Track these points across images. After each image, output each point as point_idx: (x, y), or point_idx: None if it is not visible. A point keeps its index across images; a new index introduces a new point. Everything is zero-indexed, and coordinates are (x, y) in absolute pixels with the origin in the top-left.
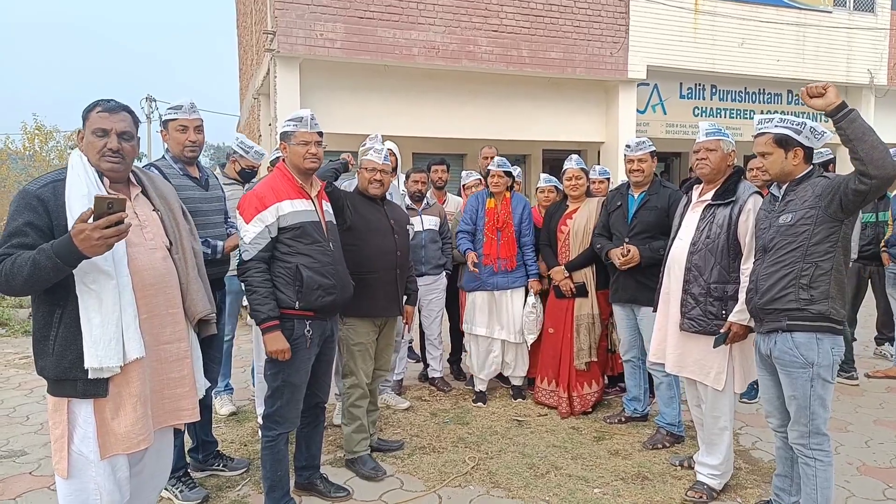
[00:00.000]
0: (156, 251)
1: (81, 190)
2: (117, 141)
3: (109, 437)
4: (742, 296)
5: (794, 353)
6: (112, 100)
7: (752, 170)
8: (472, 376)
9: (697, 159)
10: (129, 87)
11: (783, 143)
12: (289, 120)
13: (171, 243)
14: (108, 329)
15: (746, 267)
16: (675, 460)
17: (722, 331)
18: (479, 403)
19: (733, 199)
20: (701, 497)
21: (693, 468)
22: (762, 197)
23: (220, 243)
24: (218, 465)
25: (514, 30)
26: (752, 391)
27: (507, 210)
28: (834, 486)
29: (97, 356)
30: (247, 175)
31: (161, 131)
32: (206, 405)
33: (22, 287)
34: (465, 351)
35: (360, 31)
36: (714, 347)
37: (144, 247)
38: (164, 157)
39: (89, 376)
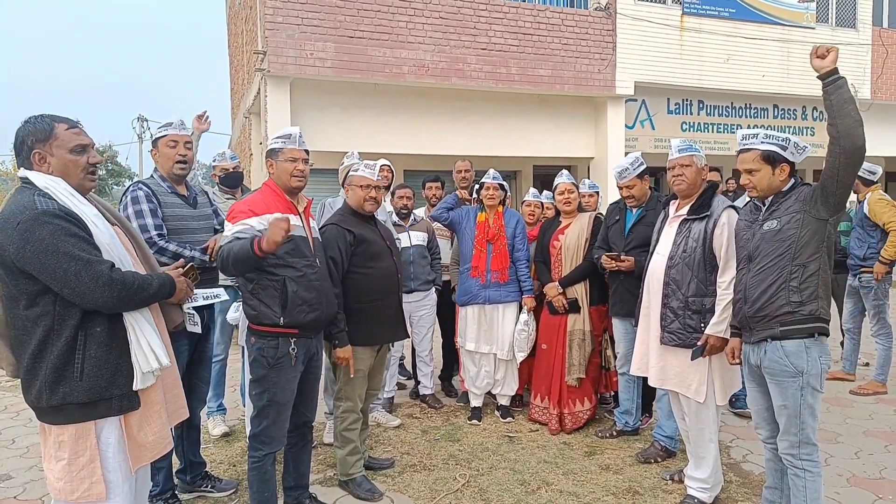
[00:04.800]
0: (139, 263)
1: (92, 211)
2: (95, 155)
3: (136, 450)
4: (718, 308)
5: (785, 361)
6: (60, 115)
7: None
8: (464, 392)
9: (673, 176)
10: (118, 106)
11: (771, 159)
12: (277, 137)
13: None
14: (156, 333)
15: (723, 280)
16: (666, 474)
17: (699, 343)
18: (475, 421)
19: (708, 213)
20: None
21: (683, 482)
22: (736, 212)
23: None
24: (206, 487)
25: (502, 48)
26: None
27: (500, 223)
28: (823, 497)
29: (155, 356)
30: (230, 180)
31: (152, 151)
32: (193, 425)
33: (138, 303)
34: (458, 366)
35: (350, 51)
36: (692, 360)
37: (135, 258)
38: (152, 175)
39: (137, 386)
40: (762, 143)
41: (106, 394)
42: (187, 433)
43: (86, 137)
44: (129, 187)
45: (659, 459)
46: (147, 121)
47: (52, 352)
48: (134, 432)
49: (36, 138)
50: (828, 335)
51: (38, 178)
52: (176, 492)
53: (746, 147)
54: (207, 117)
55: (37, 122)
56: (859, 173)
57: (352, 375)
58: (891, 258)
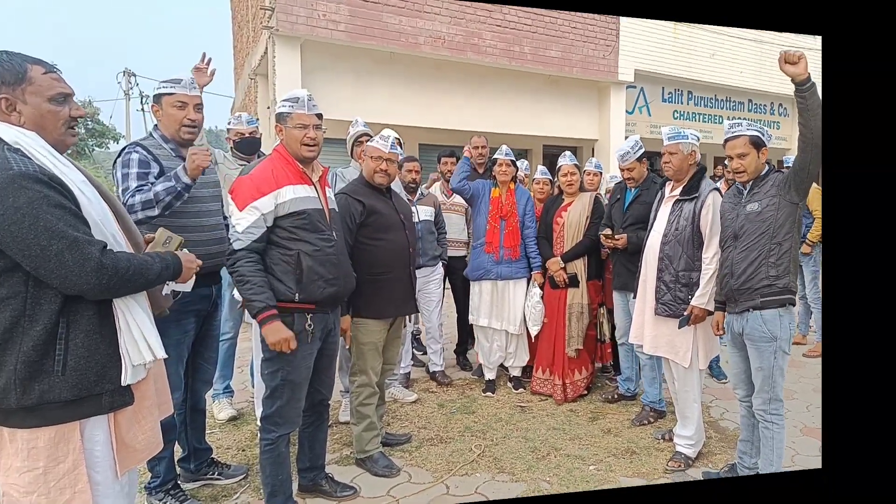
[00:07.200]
0: (126, 241)
1: (78, 177)
2: (77, 107)
3: (124, 451)
4: (702, 281)
5: (763, 328)
6: (32, 56)
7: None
8: (479, 366)
9: (663, 162)
10: (103, 58)
11: (757, 143)
12: (284, 100)
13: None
14: (149, 319)
15: (707, 255)
16: (658, 434)
17: (685, 313)
18: (489, 393)
19: (697, 194)
20: (679, 466)
21: (672, 440)
22: (720, 194)
23: (184, 177)
24: (213, 474)
25: (517, 25)
26: (722, 372)
27: (512, 200)
28: (785, 446)
29: (149, 347)
30: (246, 146)
31: (153, 107)
32: (198, 409)
33: (130, 290)
34: (472, 341)
35: (364, 15)
36: (679, 328)
37: (123, 235)
38: (151, 135)
39: (125, 381)
40: (748, 129)
41: (96, 389)
42: (191, 418)
43: (66, 85)
44: (123, 148)
45: (651, 420)
46: (135, 76)
47: (24, 342)
48: (122, 432)
49: (2, 80)
50: (794, 305)
51: (7, 131)
52: (178, 482)
53: (736, 134)
54: (211, 70)
55: (4, 62)
56: None
57: (346, 346)
58: (814, 241)
